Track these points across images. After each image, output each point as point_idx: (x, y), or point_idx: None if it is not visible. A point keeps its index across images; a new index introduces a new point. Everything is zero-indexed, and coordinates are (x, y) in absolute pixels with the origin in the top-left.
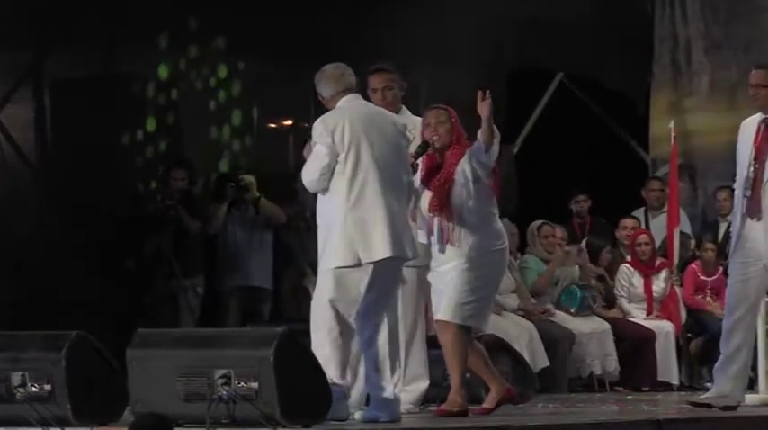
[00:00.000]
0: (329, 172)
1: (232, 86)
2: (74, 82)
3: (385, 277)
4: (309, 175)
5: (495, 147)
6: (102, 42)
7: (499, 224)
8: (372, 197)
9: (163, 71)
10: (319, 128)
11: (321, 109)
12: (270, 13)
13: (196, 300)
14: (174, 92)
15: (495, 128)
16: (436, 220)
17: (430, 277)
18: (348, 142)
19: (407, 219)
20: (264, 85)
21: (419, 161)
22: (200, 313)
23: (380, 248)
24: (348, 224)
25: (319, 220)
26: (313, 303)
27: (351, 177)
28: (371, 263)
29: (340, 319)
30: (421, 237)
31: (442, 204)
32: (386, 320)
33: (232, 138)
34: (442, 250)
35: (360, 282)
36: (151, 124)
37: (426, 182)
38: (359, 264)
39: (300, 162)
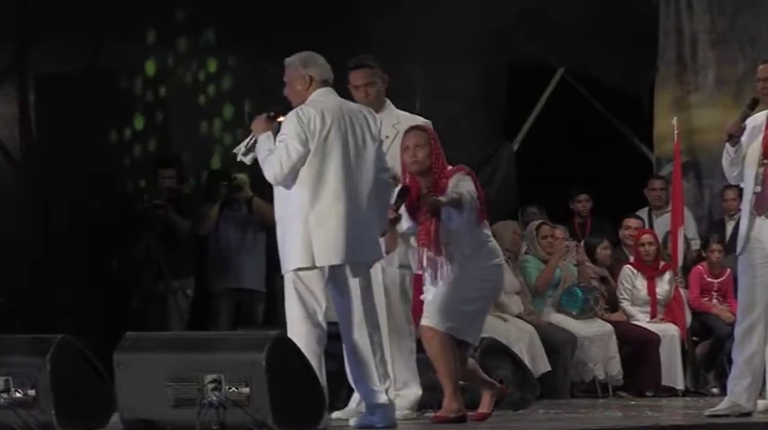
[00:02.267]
0: (299, 167)
1: (222, 81)
2: (59, 77)
3: (346, 281)
4: (276, 168)
5: (465, 207)
6: (89, 36)
7: (493, 243)
8: (334, 198)
9: (151, 66)
10: (293, 120)
11: None
12: (262, 6)
13: (186, 303)
14: (163, 87)
15: (446, 198)
16: (427, 254)
17: (424, 298)
18: (319, 138)
19: (372, 221)
20: (256, 79)
21: (401, 211)
22: (189, 316)
23: (335, 253)
24: (308, 224)
25: (277, 216)
26: (285, 305)
27: (316, 175)
28: (326, 266)
29: (309, 322)
30: (413, 266)
31: (431, 239)
32: (365, 323)
33: (223, 134)
34: (433, 283)
35: (321, 283)
36: (139, 121)
37: (412, 215)
38: (314, 267)
39: None
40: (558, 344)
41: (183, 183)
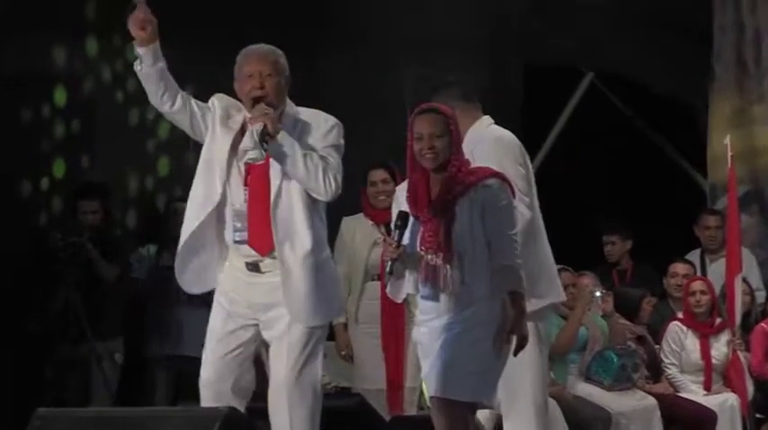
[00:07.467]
0: None
1: None
2: None
3: None
4: (334, 185)
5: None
6: None
7: None
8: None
9: (71, 64)
10: (339, 135)
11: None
12: None
13: (113, 371)
14: (86, 89)
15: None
16: (428, 259)
17: (417, 334)
18: None
19: None
20: (211, 86)
21: (402, 241)
22: (118, 387)
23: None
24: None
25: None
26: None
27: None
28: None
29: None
30: (409, 286)
31: (440, 241)
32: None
33: (158, 152)
34: (434, 297)
35: None
36: (57, 135)
37: (414, 210)
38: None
39: None
40: (587, 423)
41: (109, 216)
